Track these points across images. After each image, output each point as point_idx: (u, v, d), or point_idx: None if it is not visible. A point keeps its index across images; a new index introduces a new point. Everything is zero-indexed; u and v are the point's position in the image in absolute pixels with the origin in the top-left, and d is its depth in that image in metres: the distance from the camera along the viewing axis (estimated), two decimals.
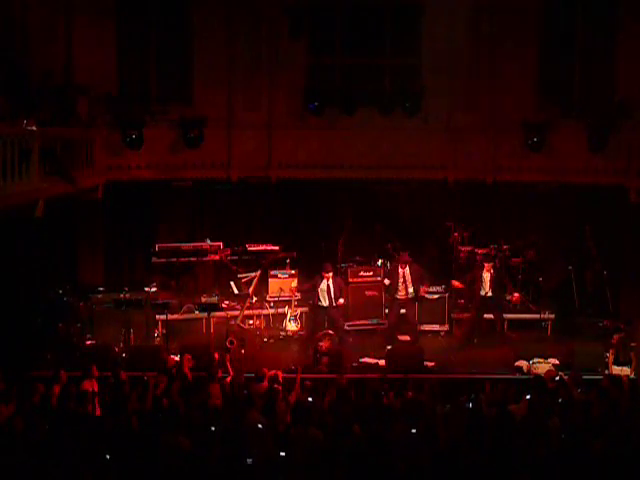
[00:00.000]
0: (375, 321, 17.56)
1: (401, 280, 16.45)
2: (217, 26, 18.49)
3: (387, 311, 17.36)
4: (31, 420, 10.57)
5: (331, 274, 16.44)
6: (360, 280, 17.76)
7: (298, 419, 10.52)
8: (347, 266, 18.10)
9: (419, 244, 18.71)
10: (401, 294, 16.50)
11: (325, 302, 16.43)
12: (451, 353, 16.12)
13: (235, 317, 17.00)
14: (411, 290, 16.53)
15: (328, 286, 16.40)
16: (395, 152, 18.70)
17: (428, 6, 18.45)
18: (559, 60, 18.88)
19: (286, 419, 10.95)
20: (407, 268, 16.47)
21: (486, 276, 16.67)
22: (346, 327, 17.15)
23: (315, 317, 16.69)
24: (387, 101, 18.49)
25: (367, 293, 17.64)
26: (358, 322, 17.59)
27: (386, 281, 16.85)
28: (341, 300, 16.63)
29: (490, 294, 16.70)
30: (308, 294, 16.90)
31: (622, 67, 18.39)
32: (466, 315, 17.54)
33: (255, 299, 17.44)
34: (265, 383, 12.45)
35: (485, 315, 16.94)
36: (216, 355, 14.38)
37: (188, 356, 13.48)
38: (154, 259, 18.00)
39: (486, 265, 16.76)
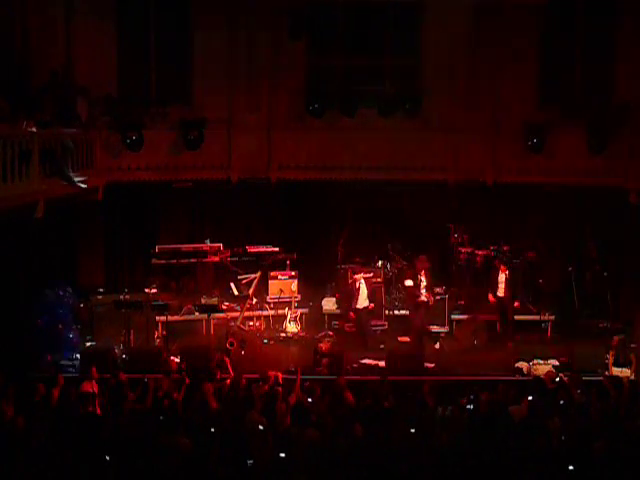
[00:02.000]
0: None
1: (423, 284, 16.56)
2: (217, 27, 18.46)
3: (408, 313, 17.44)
4: (32, 421, 10.58)
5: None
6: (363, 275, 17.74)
7: (298, 420, 10.53)
8: (347, 267, 18.09)
9: (419, 245, 18.69)
10: (423, 298, 16.57)
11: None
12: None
13: (235, 318, 17.03)
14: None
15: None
16: (395, 153, 18.68)
17: (428, 7, 18.46)
18: (559, 61, 18.88)
19: (286, 420, 10.95)
20: (423, 272, 16.63)
21: (501, 277, 16.74)
22: (346, 328, 17.19)
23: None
24: (387, 102, 18.47)
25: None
26: None
27: (408, 282, 16.79)
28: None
29: (503, 294, 16.78)
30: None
31: (622, 68, 18.39)
32: (466, 317, 17.56)
33: (255, 300, 17.46)
34: (266, 385, 12.45)
35: (484, 316, 17.01)
36: (215, 356, 14.36)
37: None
38: (154, 260, 18.02)
39: (502, 267, 16.81)
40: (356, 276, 16.93)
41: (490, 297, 17.15)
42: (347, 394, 12.18)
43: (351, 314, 16.75)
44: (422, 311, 16.75)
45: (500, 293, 16.89)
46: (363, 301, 16.94)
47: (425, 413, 11.26)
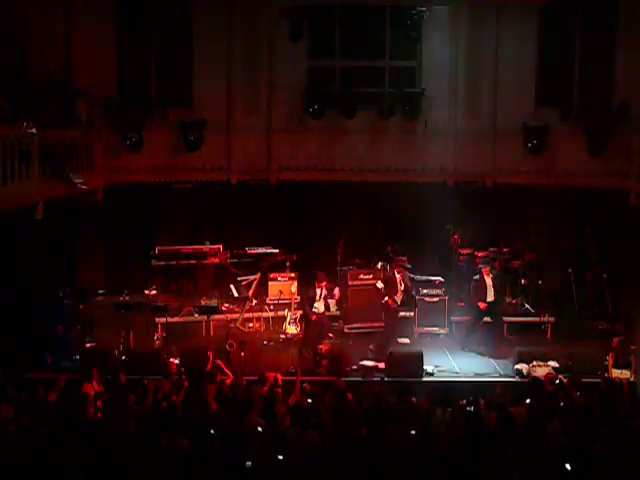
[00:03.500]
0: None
1: (400, 286, 16.43)
2: (217, 28, 18.50)
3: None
4: (32, 422, 10.58)
5: (324, 283, 16.48)
6: (360, 283, 17.72)
7: (297, 422, 10.53)
8: (347, 269, 18.09)
9: (419, 247, 18.69)
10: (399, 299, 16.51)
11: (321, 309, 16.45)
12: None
13: (235, 320, 17.02)
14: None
15: (324, 294, 16.49)
16: (395, 155, 18.70)
17: (428, 9, 18.46)
18: (559, 63, 18.89)
19: (285, 422, 10.94)
20: (402, 274, 16.48)
21: (488, 281, 16.60)
22: (346, 330, 17.17)
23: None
24: (387, 104, 18.50)
25: (367, 296, 17.59)
26: (357, 325, 17.57)
27: (379, 284, 16.67)
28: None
29: (493, 298, 16.62)
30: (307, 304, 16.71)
31: (622, 69, 18.39)
32: (466, 318, 17.54)
33: (255, 302, 17.44)
34: (265, 386, 12.45)
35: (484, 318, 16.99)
36: (211, 360, 14.37)
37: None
38: (154, 262, 18.04)
39: (484, 270, 16.65)
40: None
41: (481, 304, 16.53)
42: (347, 395, 12.17)
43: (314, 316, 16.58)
44: (390, 315, 16.61)
45: (490, 298, 16.64)
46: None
47: (423, 415, 11.24)
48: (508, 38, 18.55)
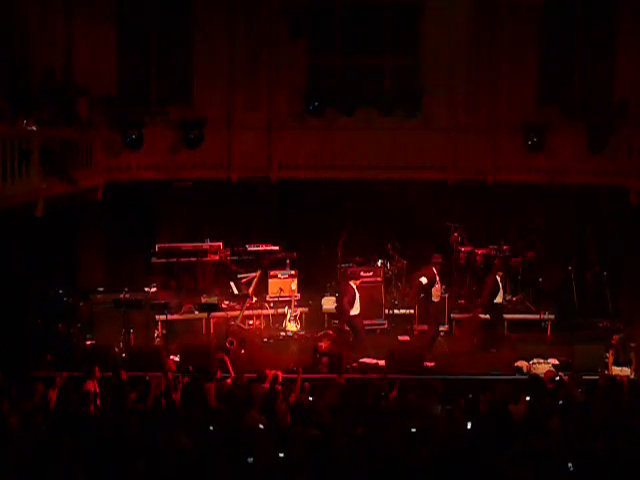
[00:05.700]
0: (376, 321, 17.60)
1: (437, 283, 16.45)
2: (217, 27, 18.52)
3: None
4: (31, 420, 10.57)
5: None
6: (360, 281, 17.68)
7: (298, 419, 10.53)
8: (347, 266, 18.08)
9: (418, 244, 18.68)
10: (436, 297, 16.50)
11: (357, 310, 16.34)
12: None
13: (235, 317, 17.02)
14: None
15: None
16: (395, 152, 18.71)
17: (428, 6, 18.47)
18: (559, 60, 18.89)
19: (286, 419, 10.95)
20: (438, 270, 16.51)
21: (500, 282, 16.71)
22: (347, 328, 17.16)
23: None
24: (387, 101, 18.53)
25: (368, 293, 17.56)
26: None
27: (423, 279, 16.48)
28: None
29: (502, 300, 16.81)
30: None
31: (622, 67, 18.39)
32: (466, 315, 17.55)
33: (255, 299, 17.45)
34: (266, 384, 12.46)
35: (483, 316, 17.01)
36: (216, 356, 14.37)
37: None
38: (154, 259, 18.03)
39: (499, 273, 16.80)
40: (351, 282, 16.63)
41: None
42: (347, 393, 12.18)
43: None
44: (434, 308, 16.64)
45: (499, 299, 16.76)
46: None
47: (423, 413, 11.24)
48: (508, 36, 18.54)
